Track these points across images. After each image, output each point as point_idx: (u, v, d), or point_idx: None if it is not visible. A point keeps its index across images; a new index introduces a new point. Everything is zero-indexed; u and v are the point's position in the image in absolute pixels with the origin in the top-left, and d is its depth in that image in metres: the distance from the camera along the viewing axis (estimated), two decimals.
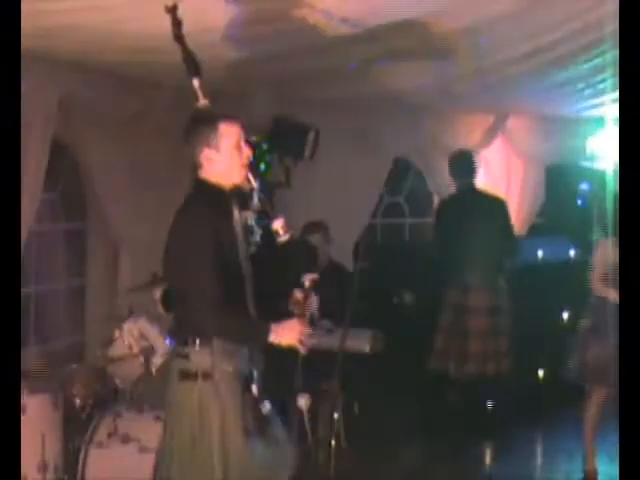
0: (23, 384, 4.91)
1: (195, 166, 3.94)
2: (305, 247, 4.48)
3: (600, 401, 6.02)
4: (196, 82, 4.02)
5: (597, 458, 6.20)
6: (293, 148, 4.55)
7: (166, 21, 4.01)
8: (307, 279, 4.05)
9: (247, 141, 3.98)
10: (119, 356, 5.58)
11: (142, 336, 5.60)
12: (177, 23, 3.98)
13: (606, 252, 5.72)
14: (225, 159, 3.88)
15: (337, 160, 7.64)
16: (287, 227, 4.00)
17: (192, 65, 4.02)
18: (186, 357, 3.86)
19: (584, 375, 6.05)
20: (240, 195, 4.03)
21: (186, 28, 4.00)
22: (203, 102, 4.02)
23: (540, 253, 8.87)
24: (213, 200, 3.88)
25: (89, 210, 6.91)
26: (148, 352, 5.53)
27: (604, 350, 5.65)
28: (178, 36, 3.99)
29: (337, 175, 7.82)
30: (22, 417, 4.84)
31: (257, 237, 4.04)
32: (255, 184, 4.04)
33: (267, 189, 4.14)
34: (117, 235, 6.69)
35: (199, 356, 3.83)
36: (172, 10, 3.97)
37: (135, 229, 6.60)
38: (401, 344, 7.20)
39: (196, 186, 3.96)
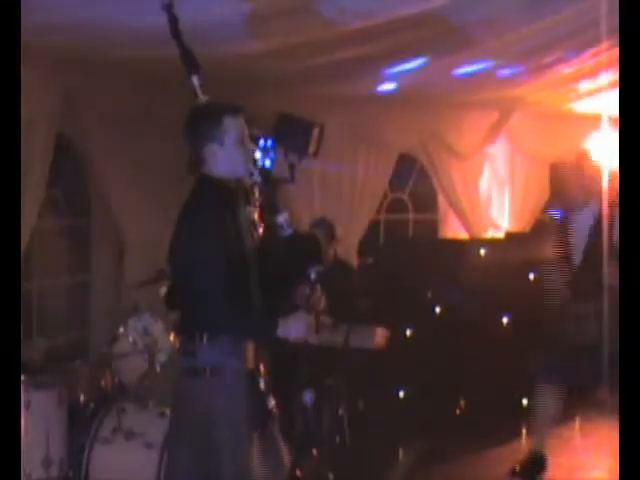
0: (28, 380, 4.93)
1: (198, 161, 3.92)
2: (309, 240, 4.46)
3: None
4: (195, 79, 3.98)
5: None
6: (297, 144, 4.52)
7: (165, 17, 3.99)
8: (312, 272, 4.02)
9: (251, 136, 3.97)
10: (123, 352, 5.58)
11: (146, 332, 5.61)
12: (174, 20, 3.95)
13: None
14: (229, 154, 3.84)
15: (341, 156, 7.64)
16: (291, 221, 3.99)
17: (190, 62, 3.98)
18: (193, 354, 3.84)
19: None
20: (244, 190, 4.01)
21: (188, 24, 3.98)
22: (203, 99, 4.00)
23: None
24: (217, 195, 3.86)
25: (93, 206, 6.93)
26: (152, 348, 5.54)
27: None
28: (175, 33, 3.96)
29: (341, 171, 7.82)
30: (26, 413, 4.86)
31: (261, 232, 4.03)
32: (259, 179, 4.02)
33: (271, 185, 4.11)
34: (122, 231, 6.70)
35: (206, 353, 3.81)
36: (168, 7, 3.94)
37: (140, 225, 6.61)
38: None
39: (200, 181, 3.92)
